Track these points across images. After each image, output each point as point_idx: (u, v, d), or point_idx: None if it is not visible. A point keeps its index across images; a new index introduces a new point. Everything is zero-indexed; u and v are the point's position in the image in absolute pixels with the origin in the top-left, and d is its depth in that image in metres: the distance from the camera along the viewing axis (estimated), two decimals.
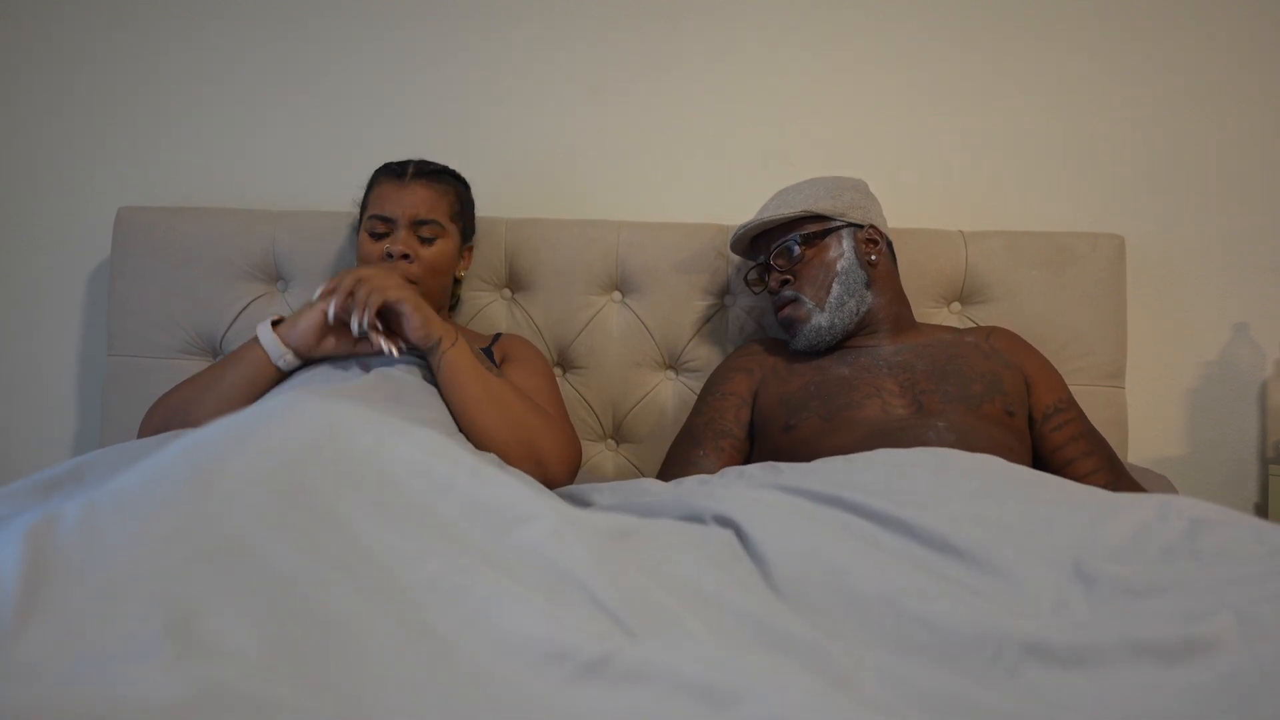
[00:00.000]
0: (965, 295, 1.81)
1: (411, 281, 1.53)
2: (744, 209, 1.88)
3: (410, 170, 1.61)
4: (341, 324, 1.38)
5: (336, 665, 0.55)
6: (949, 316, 1.81)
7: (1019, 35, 1.93)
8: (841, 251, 1.57)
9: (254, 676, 0.51)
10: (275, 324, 1.41)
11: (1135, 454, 1.86)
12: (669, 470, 1.57)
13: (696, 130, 1.97)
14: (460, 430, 1.36)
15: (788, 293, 1.57)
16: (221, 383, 1.38)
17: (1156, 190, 1.92)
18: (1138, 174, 1.93)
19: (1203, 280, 1.92)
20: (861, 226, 1.59)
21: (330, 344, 1.40)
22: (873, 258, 1.58)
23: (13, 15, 1.99)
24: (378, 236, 1.56)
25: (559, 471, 1.38)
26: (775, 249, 1.59)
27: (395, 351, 1.33)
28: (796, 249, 1.57)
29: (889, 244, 1.63)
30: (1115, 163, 1.93)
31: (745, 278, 1.68)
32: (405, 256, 1.53)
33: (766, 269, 1.61)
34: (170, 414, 1.39)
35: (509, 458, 1.32)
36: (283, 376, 1.40)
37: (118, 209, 1.85)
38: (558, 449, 1.38)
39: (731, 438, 1.56)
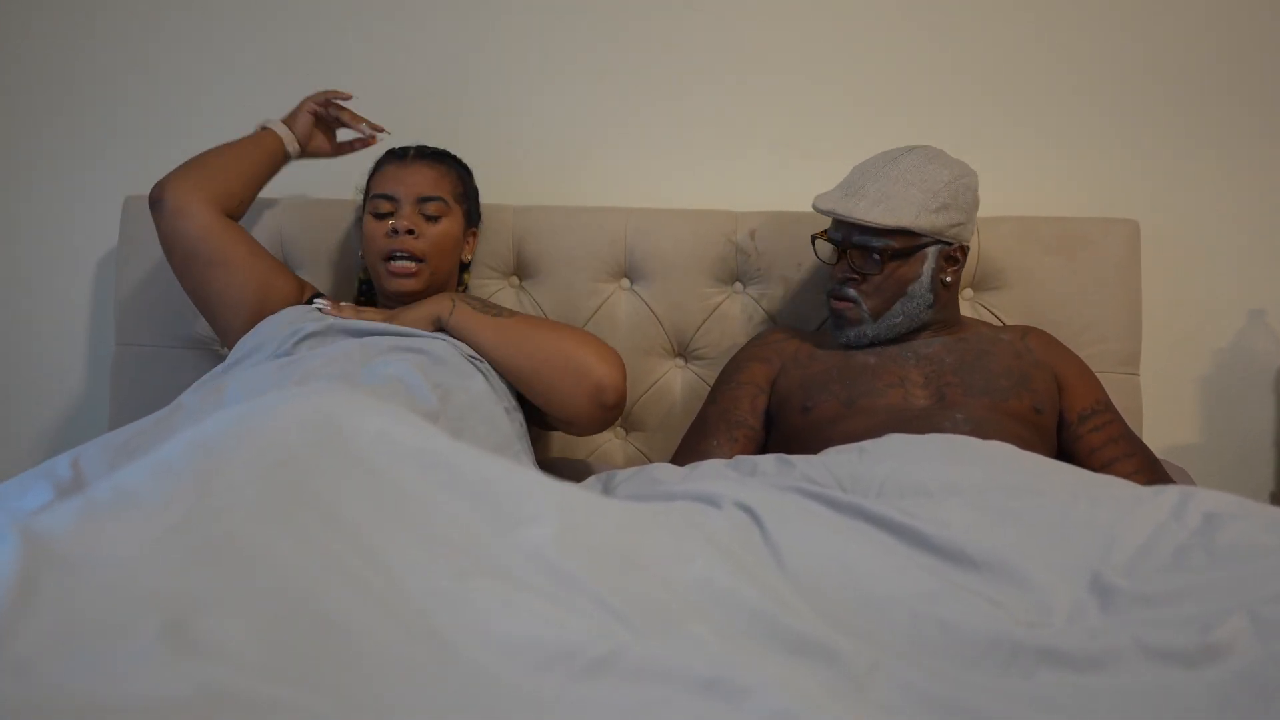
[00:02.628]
0: (978, 282, 1.79)
1: (418, 259, 1.53)
2: (754, 196, 1.86)
3: (412, 152, 1.62)
4: (327, 127, 1.71)
5: (336, 666, 0.54)
6: (961, 304, 1.79)
7: (1032, 19, 1.91)
8: (919, 273, 1.49)
9: (252, 676, 0.50)
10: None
11: (1149, 441, 1.83)
12: (681, 460, 1.55)
13: (707, 116, 1.95)
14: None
15: (849, 291, 1.50)
16: (243, 161, 1.63)
17: (1171, 175, 1.90)
18: (1152, 159, 1.90)
19: (1218, 266, 1.90)
20: (951, 244, 1.52)
21: (320, 141, 1.72)
22: (947, 279, 1.52)
23: (18, 5, 1.98)
24: (381, 216, 1.56)
25: (605, 371, 1.41)
26: (856, 245, 1.49)
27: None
28: (877, 256, 1.48)
29: (967, 253, 1.57)
30: (1130, 147, 1.90)
31: (813, 236, 1.59)
32: (410, 232, 1.52)
33: (841, 250, 1.52)
34: (201, 178, 1.60)
35: (553, 378, 1.39)
36: (285, 160, 1.67)
37: (125, 198, 1.85)
38: (594, 352, 1.42)
39: (746, 428, 1.54)
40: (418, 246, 1.53)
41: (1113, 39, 1.90)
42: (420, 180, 1.57)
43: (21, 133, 1.99)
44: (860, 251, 1.49)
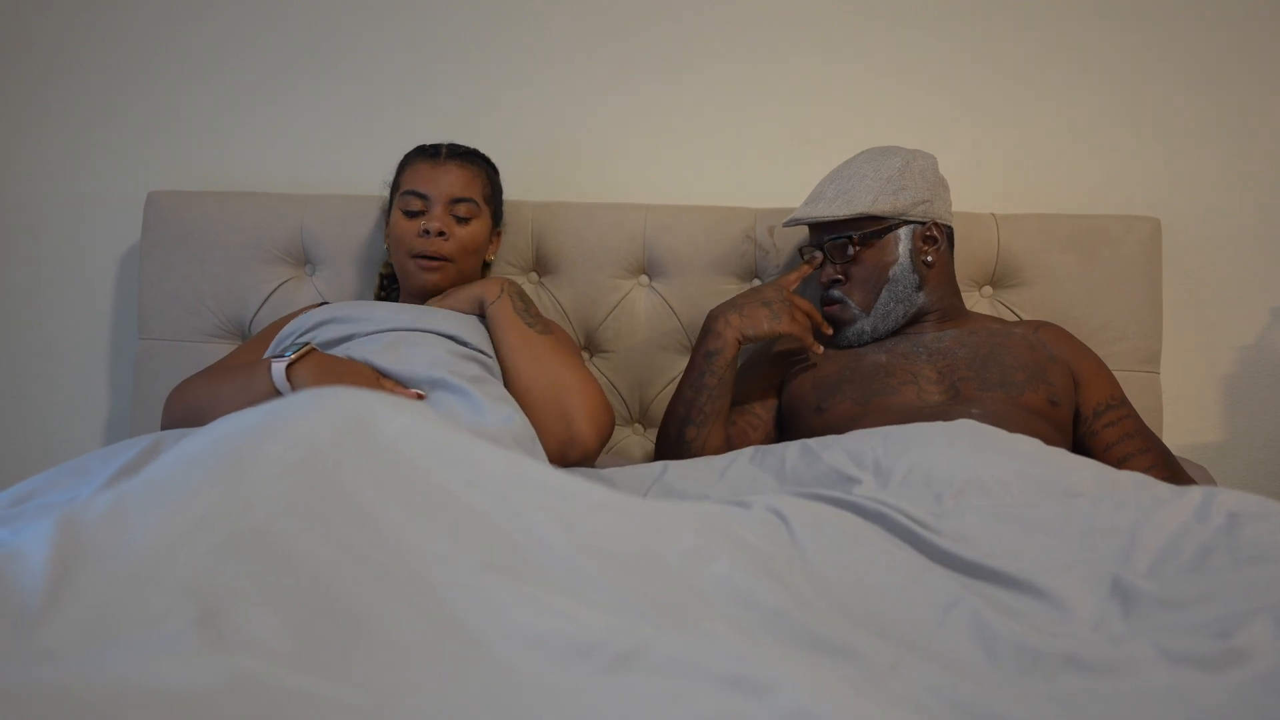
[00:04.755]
0: (997, 279, 1.78)
1: (446, 259, 1.55)
2: (773, 192, 1.86)
3: (445, 151, 1.63)
4: None
5: (364, 657, 0.54)
6: (980, 300, 1.79)
7: (1052, 13, 1.90)
8: (896, 255, 1.53)
9: (282, 666, 0.51)
10: (295, 358, 1.33)
11: (1170, 440, 1.83)
12: None
13: (725, 111, 1.95)
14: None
15: (835, 293, 1.56)
16: (240, 396, 1.33)
17: (1193, 172, 1.89)
18: (1174, 155, 1.89)
19: (1240, 264, 1.88)
20: (922, 223, 1.55)
21: None
22: (928, 258, 1.54)
23: (44, 3, 2.00)
24: (412, 214, 1.57)
25: (585, 429, 1.39)
26: (830, 241, 1.55)
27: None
28: (850, 249, 1.53)
29: (949, 234, 1.59)
30: (1151, 144, 1.89)
31: (800, 250, 1.66)
32: (441, 234, 1.54)
33: (821, 256, 1.58)
34: (191, 413, 1.40)
35: (538, 407, 1.37)
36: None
37: (147, 193, 1.86)
38: (586, 407, 1.40)
39: (753, 415, 1.58)
40: (446, 248, 1.55)
41: (1134, 35, 1.89)
42: (453, 181, 1.58)
43: (44, 129, 2.01)
44: (835, 249, 1.54)
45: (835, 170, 1.60)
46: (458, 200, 1.57)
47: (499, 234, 1.72)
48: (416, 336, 1.40)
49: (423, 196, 1.57)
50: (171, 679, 0.48)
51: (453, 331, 1.44)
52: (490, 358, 1.46)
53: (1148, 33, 1.89)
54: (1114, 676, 0.69)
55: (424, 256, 1.55)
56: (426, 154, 1.63)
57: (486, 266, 1.74)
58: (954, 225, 1.63)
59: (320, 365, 1.32)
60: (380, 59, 1.97)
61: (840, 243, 1.53)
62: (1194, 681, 0.66)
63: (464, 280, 1.61)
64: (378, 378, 1.33)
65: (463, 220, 1.58)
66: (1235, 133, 1.88)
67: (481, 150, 1.70)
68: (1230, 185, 1.88)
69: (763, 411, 1.58)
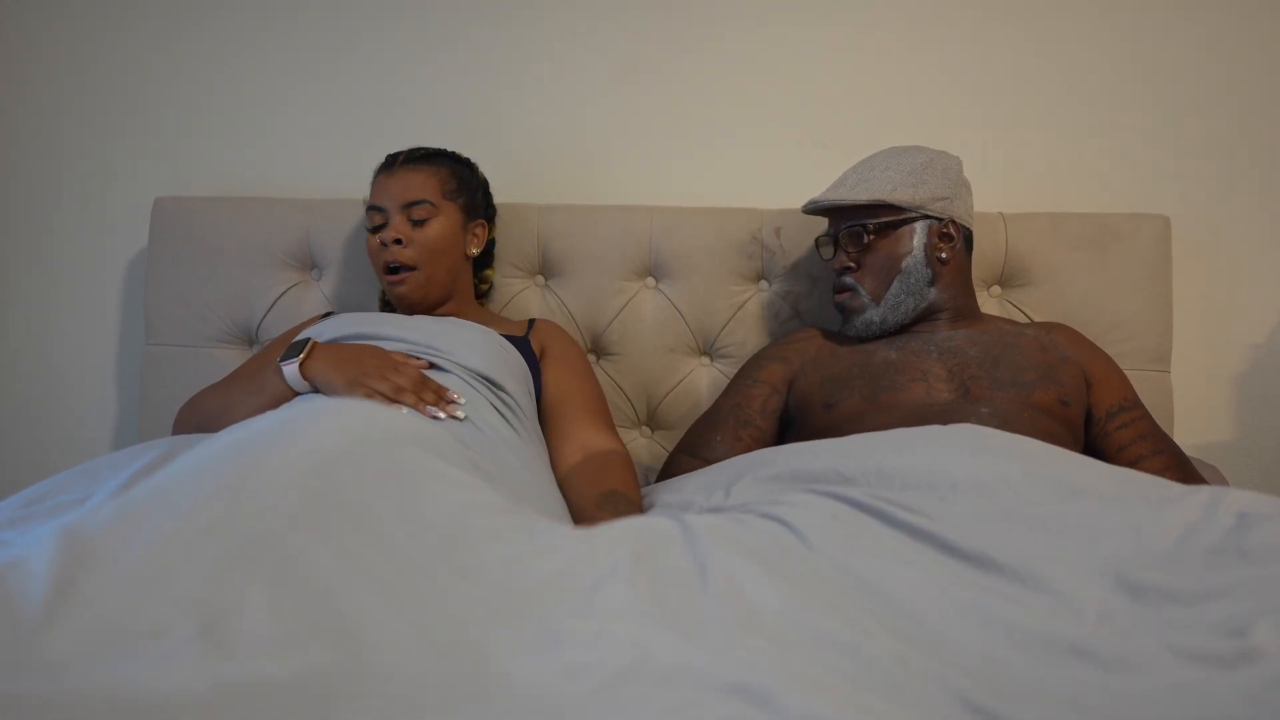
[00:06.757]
0: (1005, 279, 1.77)
1: (410, 267, 1.54)
2: (780, 193, 1.85)
3: (400, 158, 1.61)
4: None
5: (365, 676, 0.54)
6: (989, 300, 1.78)
7: (1062, 12, 1.89)
8: (910, 248, 1.52)
9: (283, 682, 0.51)
10: (307, 353, 1.34)
11: (1181, 439, 1.82)
12: (684, 446, 1.59)
13: (731, 113, 1.94)
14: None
15: (847, 280, 1.55)
16: (253, 400, 1.37)
17: (1203, 170, 1.87)
18: (1183, 153, 1.88)
19: (1251, 262, 1.87)
20: (940, 219, 1.54)
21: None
22: (943, 255, 1.53)
23: (50, 10, 2.01)
24: (375, 229, 1.57)
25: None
26: (845, 228, 1.55)
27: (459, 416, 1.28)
28: (865, 237, 1.53)
29: (967, 236, 1.58)
30: (1161, 142, 1.88)
31: (816, 240, 1.66)
32: (398, 241, 1.53)
33: (836, 242, 1.58)
34: (204, 421, 1.41)
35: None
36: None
37: (154, 199, 1.87)
38: (616, 491, 1.33)
39: (753, 428, 1.56)
40: (406, 255, 1.54)
41: (1144, 33, 1.88)
42: (405, 187, 1.57)
43: (51, 135, 2.02)
44: (850, 236, 1.55)
45: (860, 161, 1.60)
46: (411, 204, 1.56)
47: (482, 225, 1.67)
48: (441, 376, 1.36)
49: (380, 209, 1.57)
50: (172, 688, 0.48)
51: (481, 368, 1.39)
52: (517, 402, 1.41)
53: (1156, 30, 1.88)
54: (1123, 672, 0.68)
55: (390, 269, 1.54)
56: (384, 166, 1.62)
57: (480, 264, 1.72)
58: (973, 229, 1.62)
59: (331, 354, 1.33)
60: (384, 63, 1.97)
61: (855, 230, 1.53)
62: (1204, 679, 0.66)
63: (436, 285, 1.58)
64: (388, 355, 1.33)
65: (419, 223, 1.56)
66: (1245, 129, 1.87)
67: (486, 151, 1.69)
68: (1241, 182, 1.87)
69: (763, 422, 1.56)
